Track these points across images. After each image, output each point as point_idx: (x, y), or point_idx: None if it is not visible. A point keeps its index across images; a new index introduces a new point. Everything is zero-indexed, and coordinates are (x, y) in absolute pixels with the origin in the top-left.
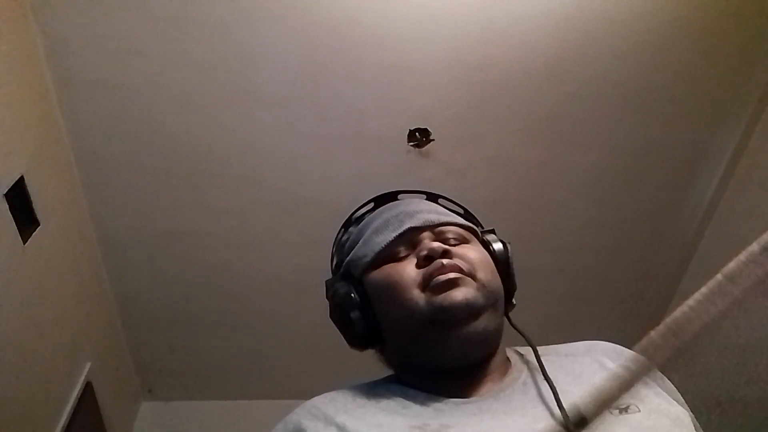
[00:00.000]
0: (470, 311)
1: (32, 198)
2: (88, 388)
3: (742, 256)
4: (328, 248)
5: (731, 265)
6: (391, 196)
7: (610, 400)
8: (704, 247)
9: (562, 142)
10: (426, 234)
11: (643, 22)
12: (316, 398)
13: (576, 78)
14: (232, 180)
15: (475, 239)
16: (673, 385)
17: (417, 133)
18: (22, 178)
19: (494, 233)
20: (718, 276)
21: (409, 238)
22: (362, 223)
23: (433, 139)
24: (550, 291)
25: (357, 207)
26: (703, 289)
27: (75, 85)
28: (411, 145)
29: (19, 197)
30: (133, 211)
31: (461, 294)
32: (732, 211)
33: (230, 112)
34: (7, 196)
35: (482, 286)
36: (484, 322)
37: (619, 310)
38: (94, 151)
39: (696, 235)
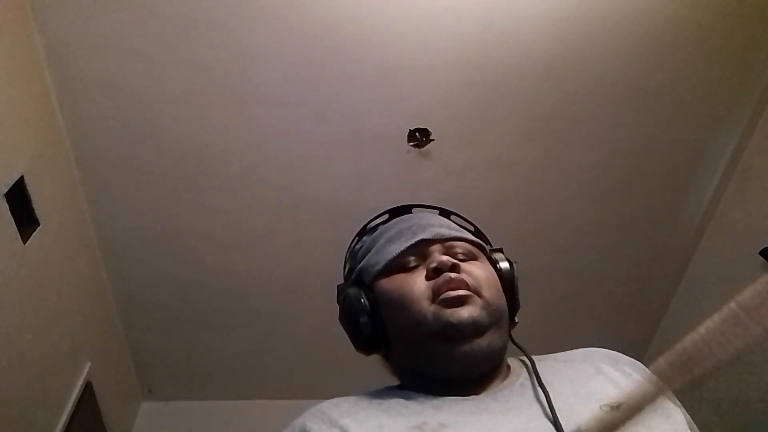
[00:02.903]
0: (476, 329)
1: (32, 198)
2: (88, 388)
3: (759, 286)
4: (328, 248)
5: (746, 295)
6: (405, 209)
7: (614, 425)
8: (704, 247)
9: (562, 142)
10: (436, 247)
11: (643, 22)
12: (321, 404)
13: (576, 78)
14: (232, 180)
15: (483, 256)
16: None
17: (417, 133)
18: (22, 178)
19: (502, 252)
20: (732, 305)
21: (421, 250)
22: (376, 232)
23: (433, 139)
24: (549, 291)
25: (372, 217)
26: (716, 317)
27: (75, 85)
28: (411, 145)
29: (19, 197)
30: (133, 211)
31: (467, 312)
32: (732, 211)
33: (229, 112)
34: (7, 196)
35: (487, 304)
36: (488, 339)
37: (619, 310)
38: (94, 151)
39: (696, 235)
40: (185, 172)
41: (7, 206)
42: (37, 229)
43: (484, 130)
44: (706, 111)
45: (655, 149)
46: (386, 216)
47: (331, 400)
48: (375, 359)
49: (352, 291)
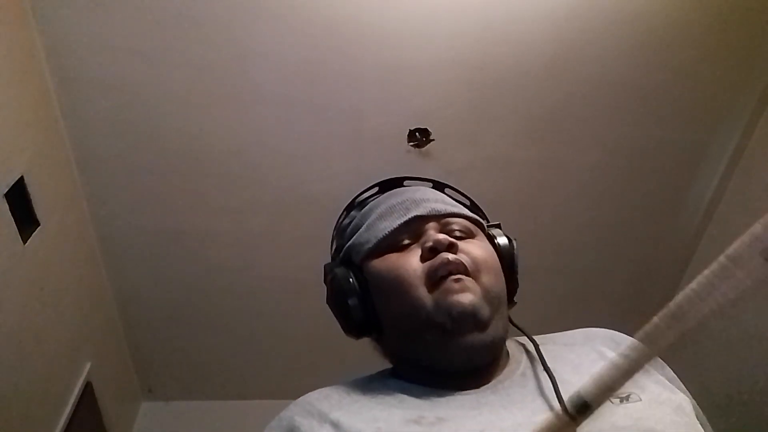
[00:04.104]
0: (477, 322)
1: (32, 198)
2: (88, 388)
3: (746, 237)
4: (328, 248)
5: (734, 246)
6: (396, 182)
7: (613, 385)
8: (704, 247)
9: (562, 141)
10: (431, 224)
11: (642, 21)
12: (310, 394)
13: (576, 77)
14: (232, 180)
15: (481, 233)
16: (674, 373)
17: (417, 133)
18: (22, 178)
19: (500, 228)
20: (721, 258)
21: (414, 227)
22: (366, 207)
23: (433, 139)
24: (549, 290)
25: (361, 191)
26: (706, 272)
27: (75, 85)
28: (411, 145)
29: (19, 197)
30: (133, 211)
31: (467, 299)
32: (732, 211)
33: (230, 112)
34: (7, 196)
35: (486, 291)
36: (491, 334)
37: (619, 310)
38: (94, 151)
39: (696, 235)
40: (185, 172)
41: (7, 206)
42: (37, 229)
43: (484, 129)
44: (706, 111)
45: (655, 149)
46: (376, 189)
47: (319, 390)
48: (376, 358)
49: (340, 271)
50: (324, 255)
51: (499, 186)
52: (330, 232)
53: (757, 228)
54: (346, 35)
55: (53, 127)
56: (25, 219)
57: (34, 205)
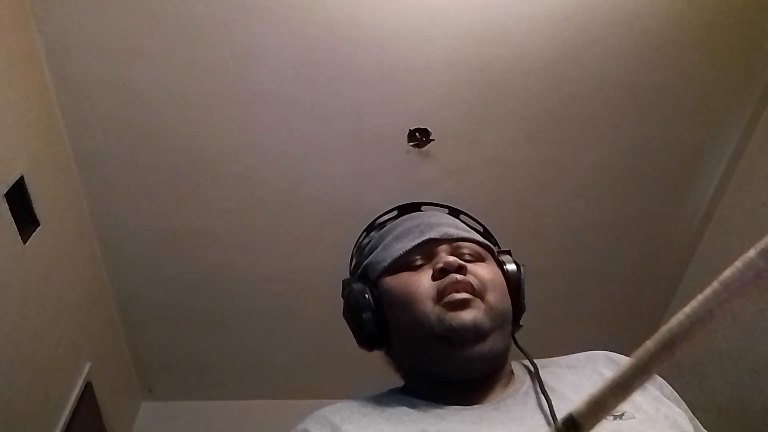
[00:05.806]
0: (477, 333)
1: (32, 198)
2: (88, 388)
3: (739, 263)
4: (328, 248)
5: (727, 272)
6: (414, 207)
7: (604, 405)
8: (703, 247)
9: (562, 142)
10: (444, 247)
11: (642, 22)
12: (324, 408)
13: (576, 78)
14: (232, 180)
15: (491, 258)
16: (674, 391)
17: (417, 133)
18: (22, 178)
19: (510, 254)
20: (714, 283)
21: (427, 249)
22: (384, 229)
23: (433, 139)
24: (548, 291)
25: (380, 213)
26: (699, 297)
27: (75, 85)
28: (411, 145)
29: (19, 197)
30: (133, 211)
31: (470, 316)
32: (732, 211)
33: (230, 112)
34: (7, 196)
35: (490, 308)
36: (490, 344)
37: (619, 310)
38: (94, 151)
39: (695, 235)
40: (185, 172)
41: (7, 206)
42: (37, 229)
43: (484, 130)
44: (706, 111)
45: (655, 149)
46: (395, 213)
47: (333, 405)
48: (376, 359)
49: (357, 286)
50: (324, 255)
51: (499, 186)
52: (330, 232)
53: (750, 253)
54: (346, 36)
55: (53, 127)
56: (25, 219)
57: (34, 205)
